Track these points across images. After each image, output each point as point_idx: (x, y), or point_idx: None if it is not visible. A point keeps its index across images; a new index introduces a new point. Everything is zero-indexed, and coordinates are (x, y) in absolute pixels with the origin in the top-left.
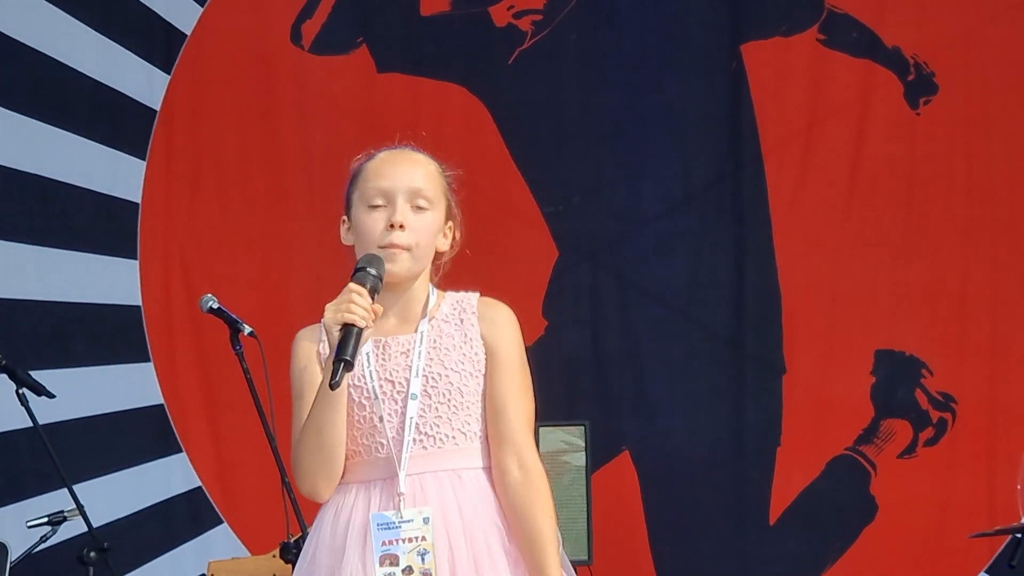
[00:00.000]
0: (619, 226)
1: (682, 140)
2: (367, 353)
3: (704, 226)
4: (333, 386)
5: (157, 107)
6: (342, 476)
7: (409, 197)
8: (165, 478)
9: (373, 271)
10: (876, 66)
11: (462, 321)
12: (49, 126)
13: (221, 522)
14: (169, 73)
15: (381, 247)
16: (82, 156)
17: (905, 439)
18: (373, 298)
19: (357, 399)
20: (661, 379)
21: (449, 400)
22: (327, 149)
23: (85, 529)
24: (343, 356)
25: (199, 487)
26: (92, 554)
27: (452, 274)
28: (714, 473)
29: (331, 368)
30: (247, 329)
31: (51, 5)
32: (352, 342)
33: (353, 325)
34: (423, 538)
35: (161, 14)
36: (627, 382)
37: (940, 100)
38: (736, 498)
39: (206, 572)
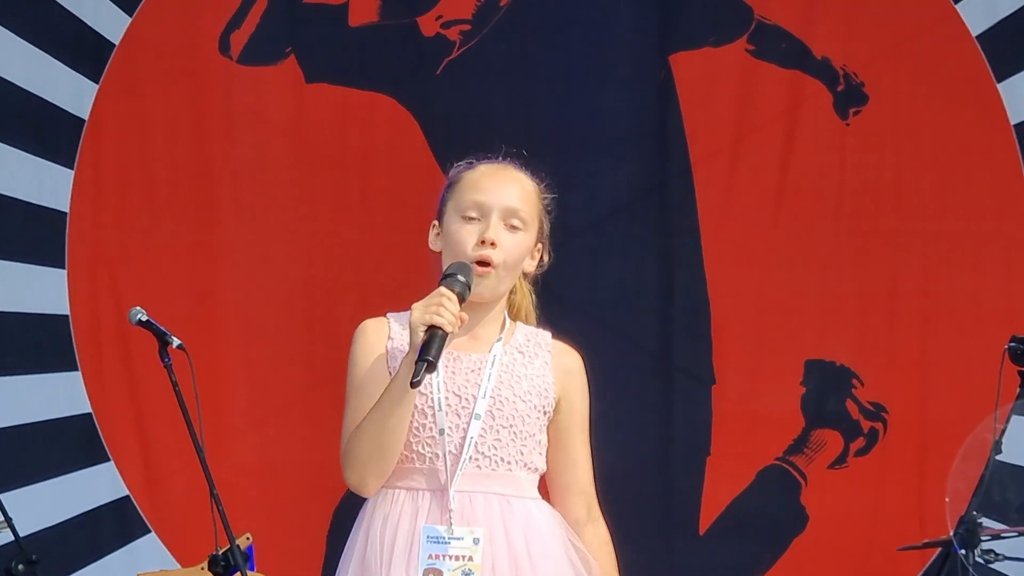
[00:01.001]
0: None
1: (610, 152)
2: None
3: (632, 238)
4: (414, 384)
5: (85, 116)
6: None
7: (504, 215)
8: (93, 487)
9: (463, 278)
10: (806, 76)
11: (536, 355)
12: None
13: (149, 531)
14: (97, 82)
15: (471, 262)
16: (8, 165)
17: (836, 449)
18: (460, 305)
19: (420, 406)
20: (592, 384)
21: (512, 426)
22: (256, 159)
23: (12, 539)
24: (427, 357)
25: (127, 496)
26: (20, 567)
27: (381, 289)
28: (643, 484)
29: (413, 366)
30: (175, 342)
31: None
32: (437, 344)
33: (440, 328)
34: (470, 558)
35: (89, 23)
36: None
37: (869, 110)
38: (666, 509)
39: None
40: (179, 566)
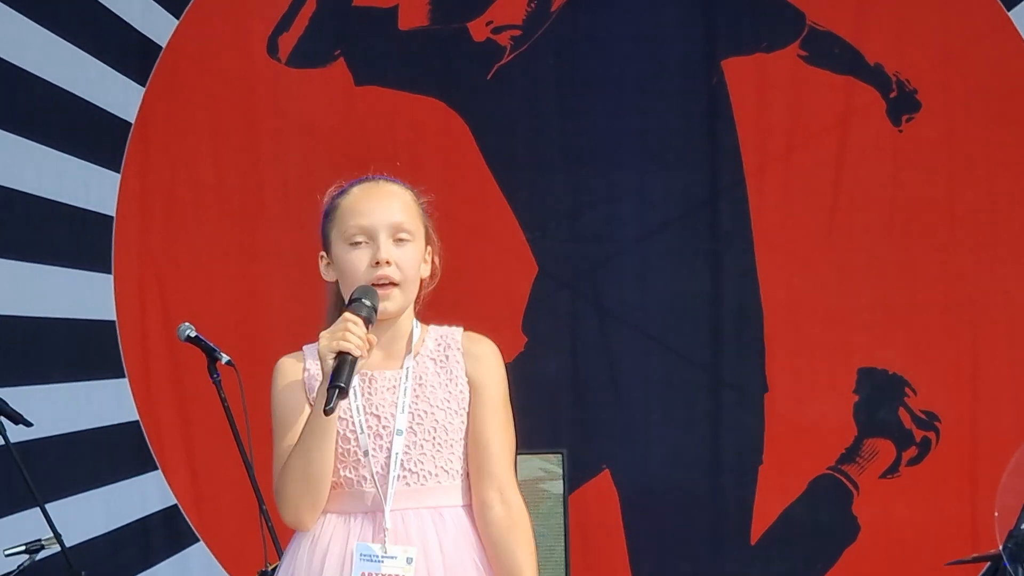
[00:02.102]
0: (598, 250)
1: (662, 161)
2: (354, 387)
3: (683, 250)
4: (327, 411)
5: (132, 120)
6: None
7: (391, 232)
8: (141, 496)
9: (368, 302)
10: (858, 83)
11: (447, 358)
12: (22, 139)
13: (198, 540)
14: (144, 86)
15: (371, 284)
16: (56, 169)
17: (888, 458)
18: (368, 328)
19: (342, 432)
20: (641, 401)
21: (434, 438)
22: (304, 163)
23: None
24: (338, 383)
25: (175, 505)
26: None
27: (433, 292)
28: (695, 493)
29: (325, 394)
30: (224, 358)
31: (24, 17)
32: (347, 370)
33: (348, 354)
34: None
35: (136, 26)
36: (608, 406)
37: (922, 118)
38: (717, 518)
39: None
40: None
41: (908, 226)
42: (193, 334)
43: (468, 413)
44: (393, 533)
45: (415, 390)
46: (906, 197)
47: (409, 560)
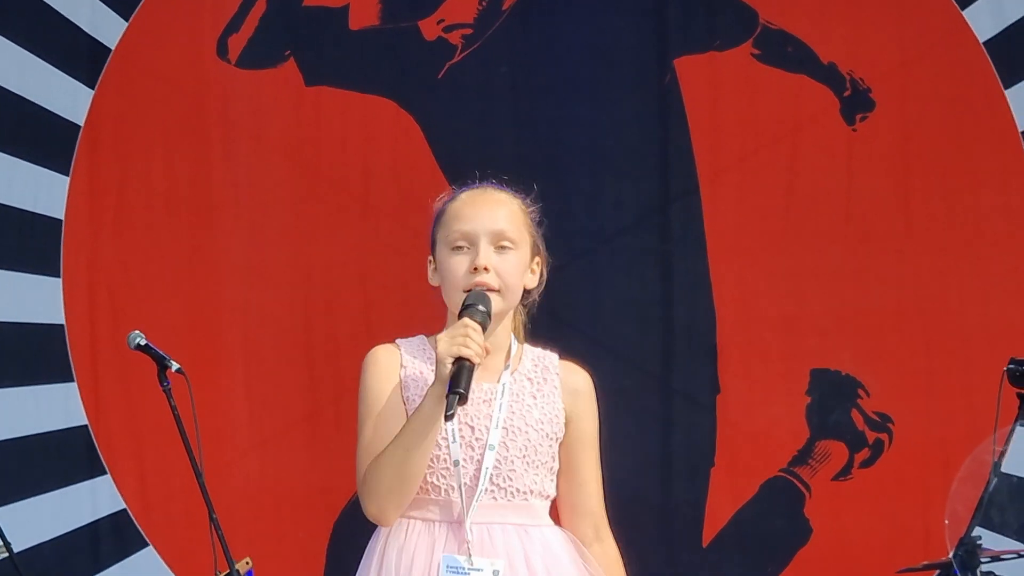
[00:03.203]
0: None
1: (615, 166)
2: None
3: (635, 256)
4: (448, 417)
5: (81, 123)
6: None
7: (492, 239)
8: (90, 501)
9: (483, 308)
10: (812, 81)
11: (545, 380)
12: None
13: (147, 545)
14: (93, 88)
15: (466, 290)
16: (3, 172)
17: (840, 461)
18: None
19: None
20: None
21: (525, 456)
22: (255, 165)
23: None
24: (458, 389)
25: (124, 510)
26: None
27: (383, 303)
28: (647, 497)
29: (445, 400)
30: (174, 366)
31: None
32: (466, 376)
33: (467, 360)
34: None
35: (85, 28)
36: None
37: (876, 117)
38: (669, 522)
39: None
40: None
41: (862, 224)
42: (143, 342)
43: (560, 444)
44: (479, 545)
45: (511, 407)
46: (860, 196)
47: (495, 573)
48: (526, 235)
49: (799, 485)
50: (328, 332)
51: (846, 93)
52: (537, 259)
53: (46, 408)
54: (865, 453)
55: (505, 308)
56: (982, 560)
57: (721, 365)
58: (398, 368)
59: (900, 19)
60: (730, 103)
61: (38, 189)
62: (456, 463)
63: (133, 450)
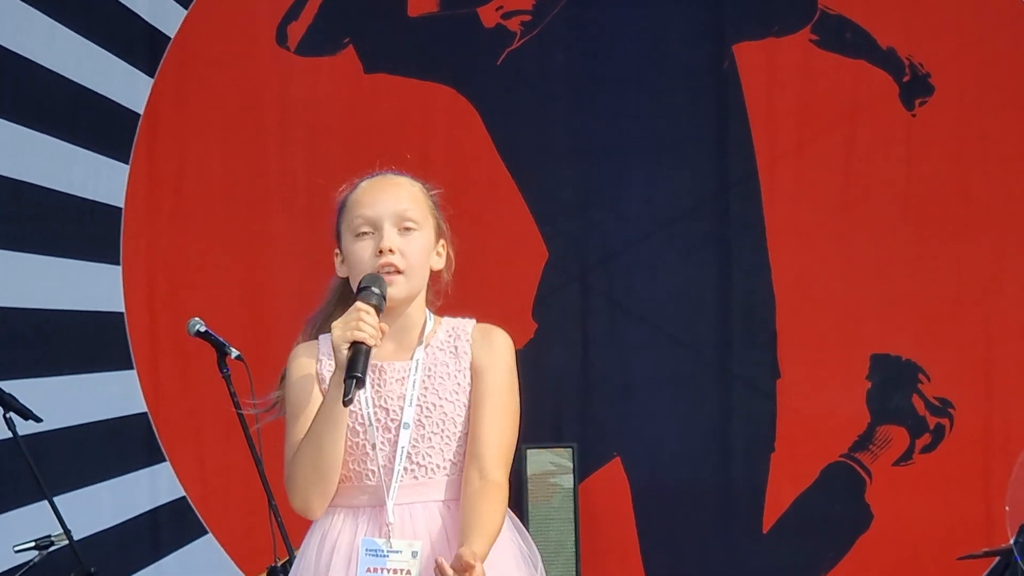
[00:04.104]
0: (608, 243)
1: (674, 152)
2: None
3: (696, 235)
4: (346, 403)
5: (140, 111)
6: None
7: (395, 221)
8: (150, 488)
9: (377, 290)
10: (871, 67)
11: (456, 349)
12: (30, 130)
13: (207, 533)
14: (153, 76)
15: (375, 274)
16: (64, 160)
17: (901, 446)
18: (378, 316)
19: (351, 425)
20: (650, 393)
21: (443, 431)
22: (313, 151)
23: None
24: (354, 373)
25: (184, 497)
26: None
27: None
28: (707, 483)
29: (343, 385)
30: (234, 352)
31: (32, 8)
32: (362, 359)
33: (362, 343)
34: (408, 572)
35: (144, 17)
36: (617, 398)
37: (936, 102)
38: (729, 507)
39: None
40: (238, 569)
41: (921, 213)
42: (203, 329)
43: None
44: (399, 527)
45: (424, 382)
46: (919, 180)
47: (414, 554)
48: (429, 217)
49: (860, 471)
50: None
51: (905, 78)
52: (443, 241)
53: (106, 395)
54: (926, 439)
55: (411, 289)
56: None
57: (780, 351)
58: (315, 363)
59: (959, 3)
60: (788, 89)
61: (98, 177)
62: (373, 447)
63: (192, 437)
